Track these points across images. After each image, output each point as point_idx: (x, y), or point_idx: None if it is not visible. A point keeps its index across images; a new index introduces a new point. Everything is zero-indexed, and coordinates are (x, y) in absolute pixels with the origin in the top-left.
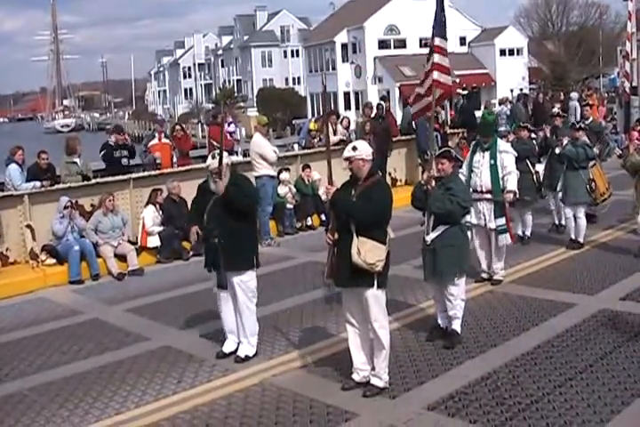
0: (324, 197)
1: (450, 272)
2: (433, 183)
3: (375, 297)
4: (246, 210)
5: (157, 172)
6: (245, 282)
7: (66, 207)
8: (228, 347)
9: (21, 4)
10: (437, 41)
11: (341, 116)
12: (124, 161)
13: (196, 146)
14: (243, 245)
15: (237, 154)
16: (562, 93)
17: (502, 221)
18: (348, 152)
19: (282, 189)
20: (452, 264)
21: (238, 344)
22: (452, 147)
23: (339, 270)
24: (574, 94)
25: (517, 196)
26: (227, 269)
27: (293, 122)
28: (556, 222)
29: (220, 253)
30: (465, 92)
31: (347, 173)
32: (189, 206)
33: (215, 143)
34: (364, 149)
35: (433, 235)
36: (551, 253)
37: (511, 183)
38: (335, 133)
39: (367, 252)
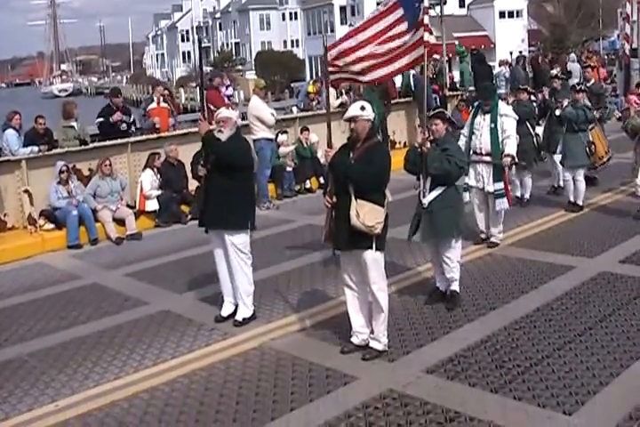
0: (322, 160)
1: (448, 233)
2: (428, 145)
3: (374, 260)
4: (235, 167)
5: (155, 135)
6: (237, 244)
7: (62, 172)
8: (225, 310)
9: None
10: (426, 2)
11: None
12: (123, 126)
13: (187, 110)
14: (235, 203)
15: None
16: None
17: (500, 185)
18: (355, 111)
19: (282, 151)
20: (449, 226)
21: (236, 307)
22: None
23: (337, 233)
24: (572, 56)
25: (516, 160)
26: (219, 226)
27: (292, 85)
28: (555, 185)
29: (214, 209)
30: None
31: (345, 135)
32: (190, 165)
33: (212, 107)
34: (369, 110)
35: (430, 197)
36: (550, 216)
37: (510, 147)
38: (338, 97)
39: (366, 214)
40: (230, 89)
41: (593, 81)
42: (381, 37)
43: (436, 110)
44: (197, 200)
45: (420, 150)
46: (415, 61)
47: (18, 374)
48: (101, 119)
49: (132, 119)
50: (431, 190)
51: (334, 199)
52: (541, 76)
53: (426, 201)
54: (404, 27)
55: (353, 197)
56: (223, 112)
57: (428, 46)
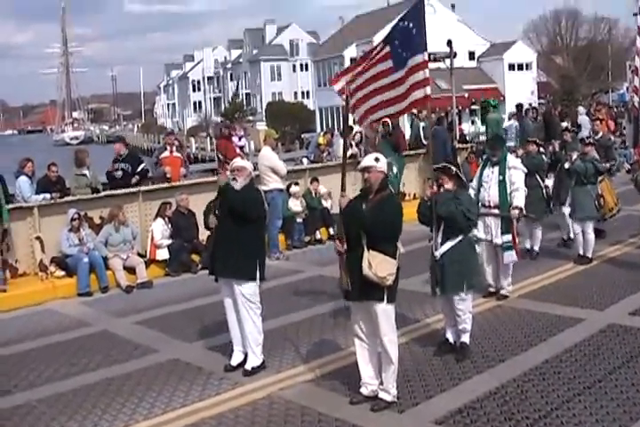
0: (336, 204)
1: (459, 286)
2: (435, 189)
3: (385, 311)
4: (247, 217)
5: (167, 185)
6: (246, 294)
7: (73, 219)
8: (235, 359)
9: (32, 16)
10: (425, 55)
11: (354, 131)
12: (118, 174)
13: (198, 159)
14: (246, 253)
15: None
16: (573, 108)
17: (509, 237)
18: (370, 162)
19: (293, 203)
20: (461, 278)
21: (245, 356)
22: (458, 164)
23: (350, 284)
24: (581, 109)
25: (524, 212)
26: (229, 276)
27: (302, 136)
28: (565, 237)
29: (224, 258)
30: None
31: (356, 188)
32: (203, 213)
33: (221, 157)
34: (383, 162)
35: (442, 249)
36: (559, 268)
37: (518, 200)
38: (349, 147)
39: (378, 265)
40: (243, 140)
41: (601, 134)
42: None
43: (442, 165)
44: (208, 249)
45: (429, 204)
46: (411, 106)
47: (27, 420)
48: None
49: (142, 166)
50: (443, 243)
51: (345, 247)
52: (552, 129)
53: (438, 253)
54: (396, 75)
55: (365, 248)
56: (238, 162)
57: (429, 100)
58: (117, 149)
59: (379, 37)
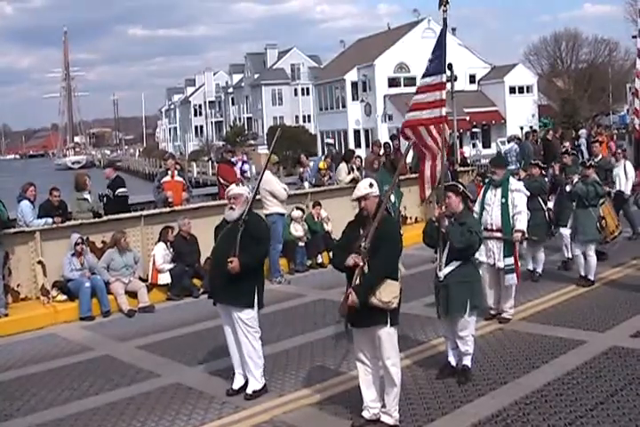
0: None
1: (462, 308)
2: (446, 223)
3: (388, 335)
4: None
5: (168, 209)
6: (244, 319)
7: (77, 244)
8: (237, 383)
9: (36, 41)
10: (444, 78)
11: (355, 155)
12: (101, 203)
13: (200, 183)
14: (245, 281)
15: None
16: (573, 131)
17: (510, 260)
18: (365, 189)
19: (295, 227)
20: (464, 300)
21: (247, 380)
22: (461, 183)
23: (352, 310)
24: (583, 131)
25: (526, 235)
26: (226, 302)
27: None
28: (565, 259)
29: (221, 285)
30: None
31: (356, 211)
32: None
33: (222, 181)
34: (376, 186)
35: (446, 270)
36: (561, 291)
37: (520, 223)
38: (349, 172)
39: (382, 290)
40: (247, 165)
41: (601, 156)
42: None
43: (449, 183)
44: (207, 273)
45: (436, 224)
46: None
47: None
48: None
49: (119, 190)
50: (448, 264)
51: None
52: (552, 152)
53: (442, 274)
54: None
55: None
56: (234, 189)
57: (445, 120)
58: (107, 174)
59: (380, 61)
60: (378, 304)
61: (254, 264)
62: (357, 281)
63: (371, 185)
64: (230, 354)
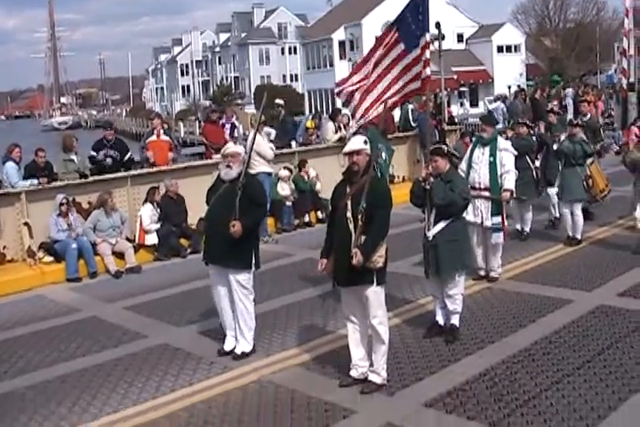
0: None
1: (452, 267)
2: (431, 179)
3: (375, 293)
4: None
5: (155, 169)
6: (241, 280)
7: (62, 204)
8: (228, 344)
9: (22, 2)
10: (427, 37)
11: (342, 113)
12: (108, 162)
13: (187, 143)
14: (243, 243)
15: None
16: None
17: (498, 219)
18: (359, 144)
19: (281, 187)
20: (454, 259)
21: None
22: (447, 144)
23: (338, 270)
24: (569, 91)
25: (514, 195)
26: (223, 264)
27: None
28: (552, 218)
29: (219, 246)
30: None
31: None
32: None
33: (205, 141)
34: (369, 144)
35: (434, 230)
36: (549, 250)
37: (509, 182)
38: (337, 131)
39: None
40: (237, 123)
41: (589, 115)
42: (384, 74)
43: (435, 146)
44: (201, 235)
45: (424, 184)
46: (411, 93)
47: (16, 406)
48: (92, 153)
49: (128, 155)
50: (436, 224)
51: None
52: (539, 111)
53: (430, 234)
54: (406, 61)
55: (353, 233)
56: (231, 147)
57: (428, 81)
58: (107, 137)
59: (367, 20)
60: (362, 263)
61: (254, 227)
62: (359, 242)
63: (365, 142)
64: (221, 315)
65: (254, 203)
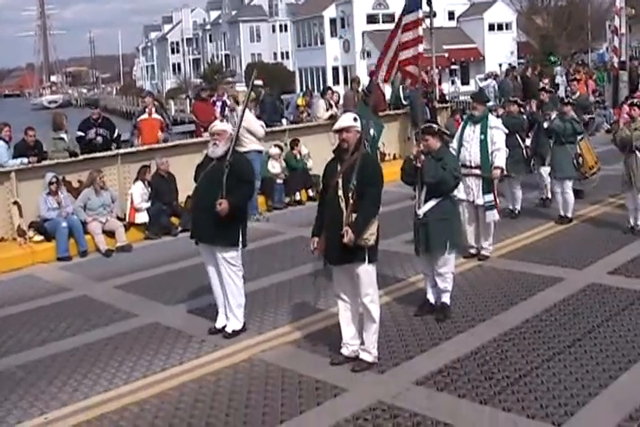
0: (315, 168)
1: (442, 245)
2: (422, 158)
3: (366, 271)
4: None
5: (145, 147)
6: (228, 258)
7: (51, 183)
8: (219, 322)
9: None
10: (420, 13)
11: (332, 91)
12: (99, 140)
13: (177, 121)
14: (230, 221)
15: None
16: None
17: (490, 197)
18: (349, 121)
19: (272, 164)
20: (444, 237)
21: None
22: (438, 123)
23: (329, 248)
24: (559, 69)
25: (505, 172)
26: (210, 242)
27: (282, 97)
28: (543, 197)
29: (205, 224)
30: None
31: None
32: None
33: (196, 119)
34: (359, 121)
35: (425, 208)
36: (540, 228)
37: (499, 160)
38: (328, 109)
39: None
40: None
41: (579, 93)
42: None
43: (425, 125)
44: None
45: (415, 162)
46: (406, 62)
47: (6, 385)
48: (80, 133)
49: (115, 133)
50: (426, 202)
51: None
52: (531, 89)
53: (421, 212)
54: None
55: (345, 211)
56: (217, 125)
57: (422, 58)
58: (93, 114)
59: None
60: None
61: (241, 205)
62: (350, 220)
63: (355, 119)
64: (213, 293)
65: (242, 181)
